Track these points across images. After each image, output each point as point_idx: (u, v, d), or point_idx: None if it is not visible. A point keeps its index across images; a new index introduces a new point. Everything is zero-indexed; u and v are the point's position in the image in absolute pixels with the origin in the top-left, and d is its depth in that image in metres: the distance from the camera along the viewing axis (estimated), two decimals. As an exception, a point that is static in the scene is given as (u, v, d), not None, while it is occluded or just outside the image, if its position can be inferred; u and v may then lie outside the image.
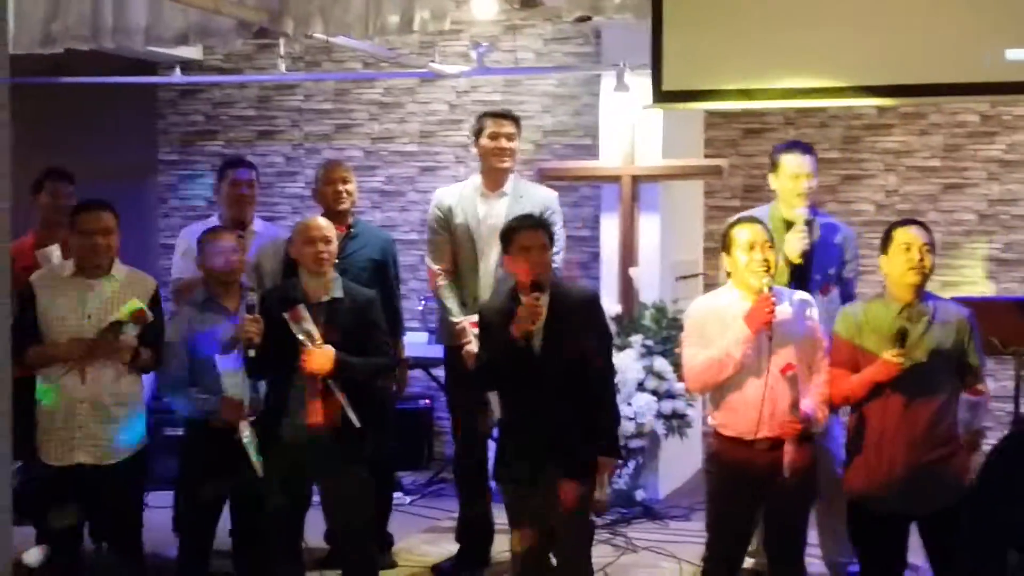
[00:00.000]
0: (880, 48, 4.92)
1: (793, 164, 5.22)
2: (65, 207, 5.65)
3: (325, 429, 4.74)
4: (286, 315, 4.68)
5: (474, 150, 5.79)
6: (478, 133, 5.67)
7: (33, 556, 5.20)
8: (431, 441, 7.88)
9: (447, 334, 5.63)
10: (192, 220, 7.85)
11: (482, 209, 5.59)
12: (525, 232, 4.57)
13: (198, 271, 5.29)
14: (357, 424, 4.74)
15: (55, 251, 5.44)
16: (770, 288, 4.40)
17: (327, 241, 4.85)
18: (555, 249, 5.17)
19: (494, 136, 5.60)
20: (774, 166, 5.29)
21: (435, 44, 7.62)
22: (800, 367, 4.42)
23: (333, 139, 8.41)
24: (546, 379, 4.47)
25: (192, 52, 8.21)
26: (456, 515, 5.81)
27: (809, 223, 5.19)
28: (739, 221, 4.60)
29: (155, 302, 4.98)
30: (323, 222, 4.96)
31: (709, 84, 5.11)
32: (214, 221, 5.85)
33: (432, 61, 7.04)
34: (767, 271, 4.41)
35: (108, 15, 5.65)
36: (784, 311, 4.41)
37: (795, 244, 5.10)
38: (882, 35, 4.92)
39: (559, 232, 5.51)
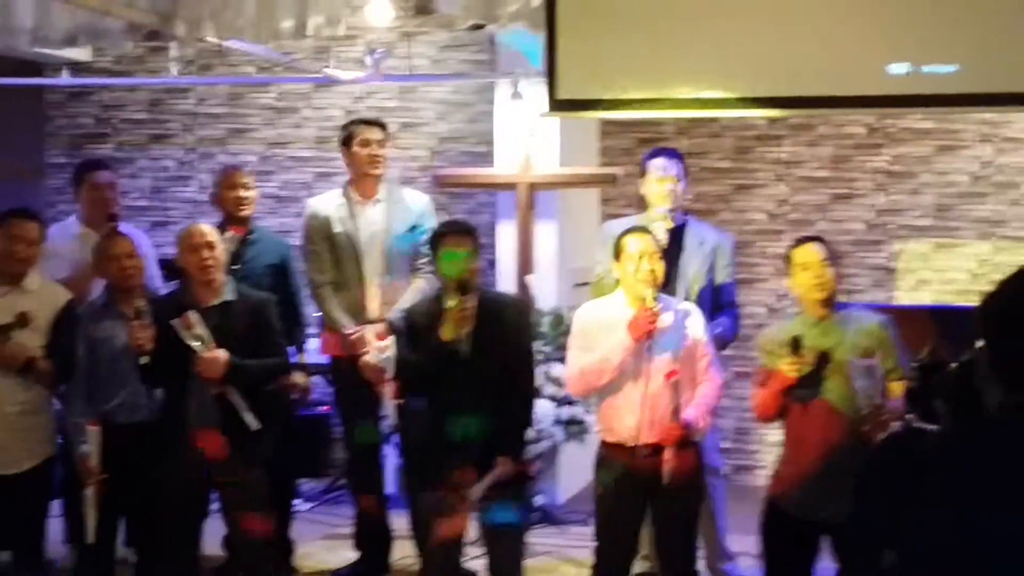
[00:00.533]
0: (771, 60, 5.03)
1: (657, 168, 5.33)
2: None
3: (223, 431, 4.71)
4: (175, 322, 4.63)
5: (344, 158, 5.73)
6: (347, 141, 5.64)
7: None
8: (329, 448, 7.82)
9: (339, 344, 5.57)
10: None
11: (360, 217, 5.56)
12: (453, 237, 4.63)
13: (66, 272, 5.22)
14: (254, 426, 4.73)
15: None
16: (655, 298, 4.46)
17: (211, 247, 4.82)
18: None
19: (365, 143, 5.59)
20: (642, 173, 5.40)
21: (330, 49, 7.58)
22: (682, 375, 4.48)
23: (227, 143, 8.31)
24: (471, 383, 4.50)
25: (81, 54, 8.05)
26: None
27: (679, 227, 5.25)
28: (630, 230, 4.65)
29: (65, 314, 4.89)
30: (205, 228, 4.92)
31: (604, 93, 5.16)
32: (73, 223, 5.72)
33: (327, 66, 7.00)
34: (654, 281, 4.47)
35: (-8, 15, 5.53)
36: (666, 320, 4.48)
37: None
38: (773, 48, 5.02)
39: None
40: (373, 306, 5.50)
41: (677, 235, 5.26)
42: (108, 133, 8.51)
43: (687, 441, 4.46)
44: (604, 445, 4.64)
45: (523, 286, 6.91)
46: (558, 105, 5.14)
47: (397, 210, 5.55)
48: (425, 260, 5.39)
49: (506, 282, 7.11)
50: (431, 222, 5.55)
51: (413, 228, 5.53)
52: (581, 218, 7.58)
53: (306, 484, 7.24)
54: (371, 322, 5.46)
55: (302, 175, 8.22)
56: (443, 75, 7.83)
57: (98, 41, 5.77)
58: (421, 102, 7.95)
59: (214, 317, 4.75)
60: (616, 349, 4.46)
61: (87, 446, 4.78)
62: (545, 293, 6.98)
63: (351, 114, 8.10)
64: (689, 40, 5.06)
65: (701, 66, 5.06)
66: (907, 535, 2.01)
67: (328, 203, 5.64)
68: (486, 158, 7.51)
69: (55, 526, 5.24)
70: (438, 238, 4.70)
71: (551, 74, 5.10)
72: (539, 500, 6.66)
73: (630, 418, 4.47)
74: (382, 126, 5.70)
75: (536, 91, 6.47)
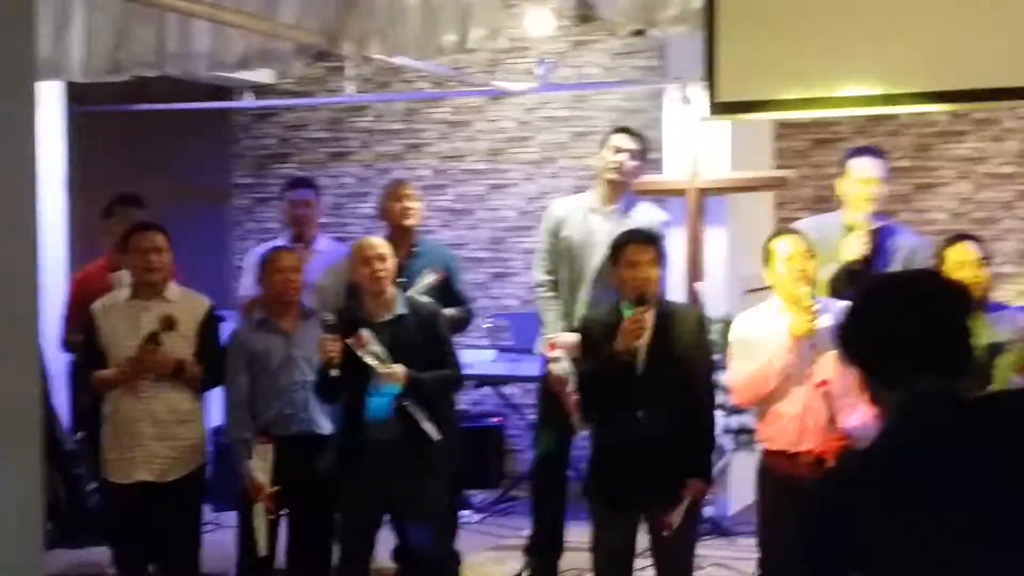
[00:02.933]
0: (949, 51, 4.81)
1: (861, 169, 5.15)
2: None
3: (401, 446, 4.76)
4: (349, 342, 4.71)
5: (598, 163, 5.70)
6: (602, 146, 5.65)
7: (113, 576, 5.31)
8: (501, 459, 7.88)
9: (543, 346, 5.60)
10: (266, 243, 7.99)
11: (590, 224, 5.53)
12: (633, 246, 4.56)
13: (251, 289, 5.39)
14: (436, 437, 4.76)
15: (127, 275, 5.56)
16: (812, 298, 4.34)
17: (383, 259, 4.85)
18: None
19: (616, 150, 5.57)
20: (843, 171, 5.21)
21: (502, 62, 7.66)
22: (845, 381, 4.34)
23: (403, 159, 8.47)
24: (647, 398, 4.45)
25: (265, 76, 8.35)
26: (524, 533, 5.80)
27: (876, 230, 5.08)
28: (778, 233, 4.56)
29: (209, 322, 5.05)
30: (377, 241, 4.97)
31: (766, 94, 5.05)
32: (280, 242, 5.93)
33: (496, 79, 7.06)
34: (807, 281, 4.36)
35: (173, 41, 5.77)
36: (827, 320, 4.35)
37: (852, 248, 5.00)
38: (951, 37, 4.81)
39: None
40: (579, 313, 5.43)
41: (876, 240, 5.11)
42: (291, 152, 8.78)
43: (852, 450, 4.32)
44: (766, 454, 4.55)
45: (693, 293, 6.82)
46: (719, 108, 5.06)
47: (627, 222, 5.44)
48: None
49: (675, 289, 7.03)
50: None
51: None
52: (753, 223, 7.44)
53: (477, 496, 7.30)
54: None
55: (475, 188, 8.31)
56: (609, 82, 7.81)
57: (270, 63, 5.97)
58: (594, 111, 7.95)
59: (387, 331, 4.80)
60: (778, 353, 4.36)
61: (252, 461, 4.90)
62: (715, 300, 6.86)
63: (523, 125, 8.18)
64: (856, 34, 4.88)
65: (870, 60, 4.87)
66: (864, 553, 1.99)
67: (566, 206, 5.68)
68: (658, 165, 7.45)
69: (228, 537, 5.39)
70: (619, 246, 4.62)
71: (711, 77, 5.02)
72: (708, 511, 6.55)
73: (792, 425, 4.37)
74: (639, 137, 5.66)
75: (704, 96, 6.40)
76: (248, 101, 7.85)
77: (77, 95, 7.45)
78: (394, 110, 8.50)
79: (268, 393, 5.00)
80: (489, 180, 8.30)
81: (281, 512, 4.98)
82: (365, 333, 4.71)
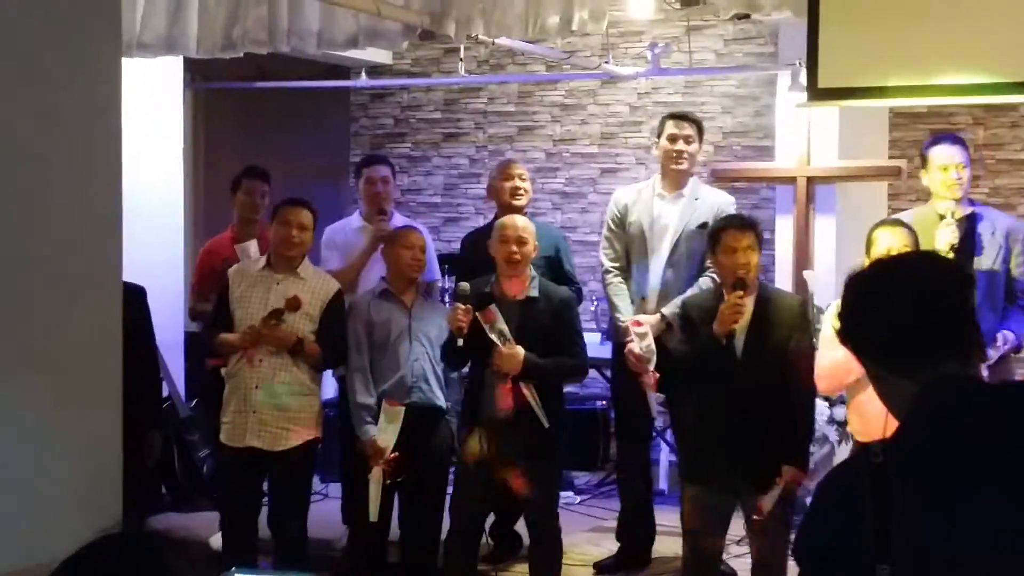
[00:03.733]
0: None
1: (941, 156, 5.06)
2: (260, 204, 5.94)
3: (514, 426, 4.81)
4: (479, 315, 4.79)
5: (655, 151, 5.77)
6: (659, 134, 5.67)
7: (218, 541, 5.39)
8: (607, 442, 7.88)
9: (615, 331, 5.64)
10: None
11: (657, 210, 5.56)
12: (732, 232, 4.61)
13: (339, 263, 5.55)
14: (546, 424, 4.80)
15: (252, 245, 5.71)
16: None
17: (521, 242, 4.91)
18: None
19: (672, 138, 5.58)
20: (924, 162, 5.13)
21: (615, 46, 7.64)
22: None
23: (516, 141, 8.52)
24: (745, 382, 4.47)
25: (382, 57, 8.47)
26: (621, 515, 5.83)
27: (968, 217, 4.98)
28: (881, 223, 4.49)
29: (335, 304, 5.15)
30: (520, 222, 5.02)
31: (867, 81, 5.00)
32: (354, 217, 6.01)
33: (606, 63, 7.06)
34: None
35: (284, 19, 5.89)
36: None
37: (943, 237, 4.89)
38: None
39: None
40: (653, 297, 5.49)
41: (970, 226, 5.01)
42: (406, 133, 8.89)
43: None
44: (857, 445, 4.50)
45: (801, 282, 6.74)
46: (818, 94, 5.01)
47: (695, 206, 5.51)
48: None
49: (784, 277, 6.96)
50: None
51: (705, 226, 5.41)
52: (865, 213, 7.30)
53: (581, 477, 7.32)
54: (649, 313, 5.45)
55: (587, 171, 8.32)
56: (723, 68, 7.74)
57: (377, 43, 6.05)
58: (706, 96, 7.88)
59: (516, 311, 4.86)
60: None
61: (373, 427, 4.99)
62: (823, 289, 6.77)
63: (635, 110, 8.16)
64: (963, 20, 4.80)
65: (977, 48, 4.80)
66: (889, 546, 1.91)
67: (631, 193, 5.72)
68: (770, 152, 7.37)
69: (334, 507, 5.49)
70: (718, 232, 4.68)
71: (812, 62, 4.98)
72: (809, 499, 6.47)
73: (877, 417, 4.30)
74: (694, 122, 5.67)
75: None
76: (364, 80, 7.97)
77: (200, 72, 7.68)
78: (508, 92, 8.54)
79: (388, 363, 5.11)
80: (601, 164, 8.29)
81: (398, 479, 5.05)
82: (494, 309, 4.78)
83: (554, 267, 5.67)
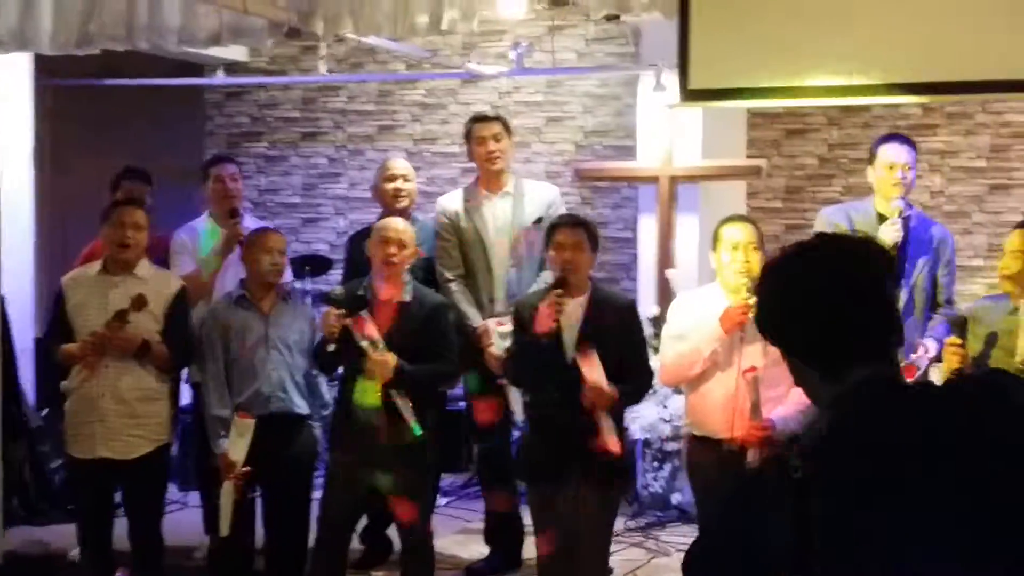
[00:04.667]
0: (922, 43, 4.80)
1: (889, 154, 5.11)
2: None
3: (385, 433, 4.72)
4: (349, 322, 4.68)
5: (468, 156, 5.74)
6: (468, 139, 5.66)
7: (77, 554, 5.24)
8: (470, 443, 7.85)
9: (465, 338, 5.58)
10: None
11: (487, 212, 5.55)
12: (562, 229, 4.61)
13: (192, 267, 5.40)
14: (417, 432, 4.70)
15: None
16: (750, 289, 4.36)
17: (400, 245, 4.81)
18: None
19: (481, 140, 5.58)
20: (872, 158, 5.19)
21: (477, 45, 7.63)
22: (776, 371, 4.35)
23: (376, 140, 8.43)
24: (576, 382, 4.43)
25: (238, 54, 8.29)
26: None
27: (906, 217, 5.06)
28: (728, 219, 4.56)
29: (179, 302, 5.01)
30: (399, 224, 4.92)
31: (737, 82, 5.03)
32: (202, 219, 5.85)
33: (469, 62, 7.03)
34: (748, 272, 4.37)
35: (143, 15, 5.68)
36: None
37: (887, 236, 4.91)
38: (924, 29, 4.80)
39: None
40: (500, 297, 5.47)
41: (905, 227, 5.04)
42: (263, 132, 8.73)
43: (775, 440, 4.25)
44: (691, 440, 4.58)
45: (664, 280, 6.84)
46: (690, 95, 5.04)
47: (523, 203, 5.54)
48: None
49: (647, 276, 7.04)
50: (561, 212, 5.53)
51: (539, 220, 5.47)
52: (725, 212, 7.43)
53: (444, 479, 7.27)
54: (499, 315, 5.44)
55: (449, 171, 8.28)
56: (583, 68, 7.79)
57: (241, 40, 5.89)
58: (568, 96, 7.93)
59: (391, 315, 4.77)
60: (708, 340, 4.38)
61: (226, 440, 4.84)
62: (685, 288, 6.86)
63: (498, 109, 8.13)
64: (830, 24, 4.87)
65: (843, 50, 4.86)
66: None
67: (457, 199, 5.67)
68: (631, 152, 7.45)
69: (193, 516, 5.35)
70: (551, 229, 4.69)
71: (684, 63, 5.00)
72: (675, 498, 6.57)
73: (717, 412, 4.38)
74: (499, 120, 5.67)
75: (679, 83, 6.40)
76: (220, 78, 7.78)
77: (46, 68, 7.38)
78: (367, 91, 8.45)
79: (244, 372, 4.95)
80: (462, 163, 8.24)
81: (251, 494, 4.92)
82: (365, 316, 4.69)
83: (434, 267, 5.62)
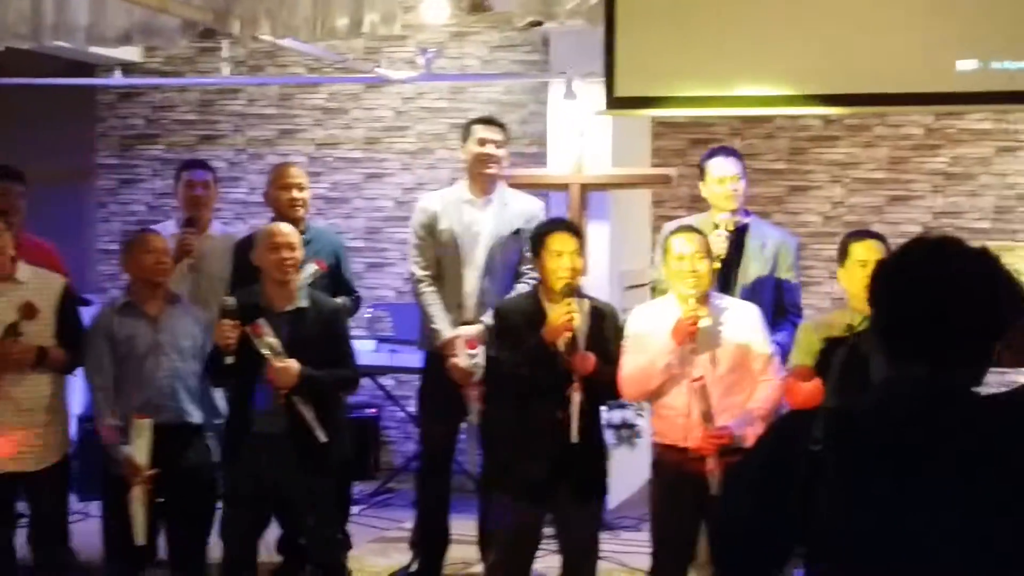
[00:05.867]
0: (829, 57, 4.94)
1: (718, 169, 5.21)
2: (16, 207, 5.48)
3: (289, 441, 4.63)
4: (247, 329, 4.56)
5: (463, 155, 5.62)
6: (465, 139, 5.56)
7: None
8: (378, 451, 7.79)
9: (429, 340, 5.49)
10: (133, 226, 7.73)
11: (468, 216, 5.45)
12: (559, 235, 4.55)
13: None
14: (323, 439, 4.63)
15: None
16: (703, 298, 4.41)
17: (292, 248, 4.73)
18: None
19: (482, 142, 5.47)
20: (702, 174, 5.29)
21: (381, 50, 7.56)
22: (730, 378, 4.42)
23: (277, 144, 8.29)
24: (566, 394, 4.41)
25: (132, 54, 8.07)
26: (405, 525, 5.73)
27: (741, 228, 5.15)
28: (677, 230, 4.60)
29: (66, 300, 4.86)
30: (287, 228, 4.83)
31: (662, 91, 5.09)
32: (171, 225, 5.71)
33: (378, 66, 6.96)
34: (696, 283, 4.41)
35: (49, 13, 5.53)
36: (706, 322, 4.41)
37: (712, 246, 4.90)
38: (832, 44, 4.93)
39: None
40: (470, 305, 5.40)
41: (739, 236, 5.15)
42: (159, 134, 8.51)
43: (736, 448, 4.32)
44: (657, 447, 4.60)
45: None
46: (616, 103, 5.07)
47: (505, 212, 5.45)
48: (530, 266, 5.37)
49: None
50: None
51: (518, 232, 5.40)
52: (633, 220, 7.51)
53: (355, 487, 7.18)
54: (467, 322, 5.37)
55: (351, 176, 8.18)
56: (497, 75, 7.77)
57: (153, 39, 5.75)
58: (472, 103, 7.89)
59: (286, 323, 4.67)
60: (661, 352, 4.42)
61: (129, 446, 4.69)
62: (597, 295, 6.88)
63: (400, 115, 8.09)
64: (750, 36, 4.97)
65: (761, 62, 4.98)
66: (813, 522, 1.97)
67: (439, 199, 5.56)
68: (538, 159, 7.45)
69: (95, 526, 5.18)
70: (543, 235, 4.60)
71: (609, 71, 5.03)
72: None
73: (677, 421, 4.42)
74: (502, 127, 5.59)
75: (590, 91, 6.43)
76: (114, 79, 7.56)
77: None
78: (267, 94, 8.30)
79: (134, 380, 4.80)
80: (365, 169, 8.18)
81: (159, 499, 4.77)
82: (263, 323, 4.57)
83: (334, 275, 5.52)
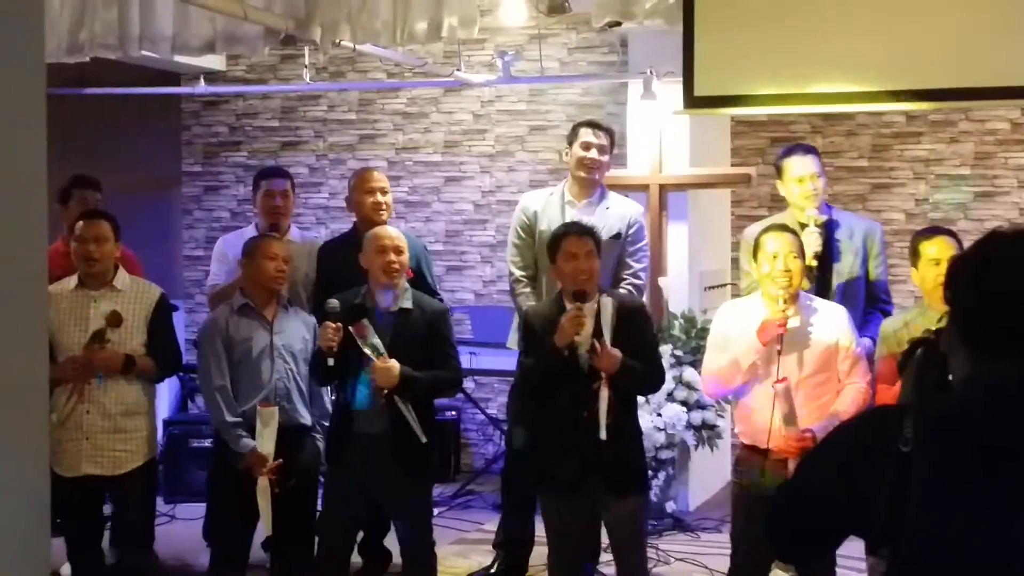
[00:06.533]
0: (911, 52, 4.86)
1: (796, 167, 5.14)
2: None
3: (389, 442, 4.67)
4: (351, 329, 4.62)
5: (565, 158, 5.64)
6: (571, 141, 5.57)
7: (68, 570, 5.16)
8: (458, 454, 7.83)
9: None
10: (218, 232, 7.86)
11: (568, 217, 5.41)
12: (572, 238, 4.52)
13: (232, 277, 5.28)
14: (423, 439, 4.66)
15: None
16: (792, 298, 4.37)
17: (399, 251, 4.77)
18: (641, 264, 5.40)
19: (587, 146, 5.47)
20: (779, 173, 5.23)
21: (459, 53, 7.59)
22: (816, 380, 4.38)
23: (357, 149, 8.38)
24: (591, 391, 4.39)
25: (215, 63, 8.21)
26: (485, 527, 5.75)
27: (825, 223, 5.09)
28: (769, 228, 4.56)
29: (160, 311, 4.95)
30: (394, 232, 4.88)
31: (740, 89, 5.05)
32: (251, 231, 5.80)
33: (457, 70, 7.00)
34: (789, 282, 4.37)
35: (135, 23, 5.63)
36: (795, 323, 4.38)
37: (808, 244, 4.90)
38: (913, 39, 4.85)
39: (643, 246, 5.52)
40: None
41: (827, 231, 5.09)
42: (242, 141, 8.64)
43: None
44: (742, 447, 4.58)
45: (656, 288, 6.83)
46: (695, 102, 5.04)
47: (605, 215, 5.43)
48: (629, 270, 5.40)
49: (638, 284, 7.03)
50: (642, 233, 5.53)
51: (618, 236, 5.40)
52: (712, 220, 7.47)
53: (435, 489, 7.23)
54: None
55: (431, 179, 8.24)
56: (575, 76, 7.77)
57: (235, 48, 5.83)
58: (551, 105, 7.92)
59: (390, 324, 4.71)
60: (746, 352, 4.38)
61: (250, 439, 4.75)
62: (677, 295, 6.88)
63: (479, 118, 8.13)
64: (829, 32, 4.91)
65: (841, 59, 4.91)
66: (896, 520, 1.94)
67: (540, 200, 5.58)
68: (617, 160, 7.41)
69: (181, 528, 5.28)
70: (558, 239, 4.58)
71: (688, 70, 5.00)
72: (671, 507, 6.56)
73: (761, 421, 4.38)
74: (608, 132, 5.57)
75: (668, 91, 6.41)
76: (199, 87, 7.69)
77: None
78: (348, 100, 8.40)
79: (249, 381, 4.88)
80: (445, 172, 8.23)
81: (288, 483, 4.81)
82: (366, 324, 4.63)
83: (416, 280, 5.55)
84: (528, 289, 5.46)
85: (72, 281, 4.92)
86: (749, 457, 4.49)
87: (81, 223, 4.93)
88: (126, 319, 4.79)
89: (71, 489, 4.77)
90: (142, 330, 4.88)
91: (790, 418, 4.30)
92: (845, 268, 5.14)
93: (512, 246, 5.57)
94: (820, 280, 5.01)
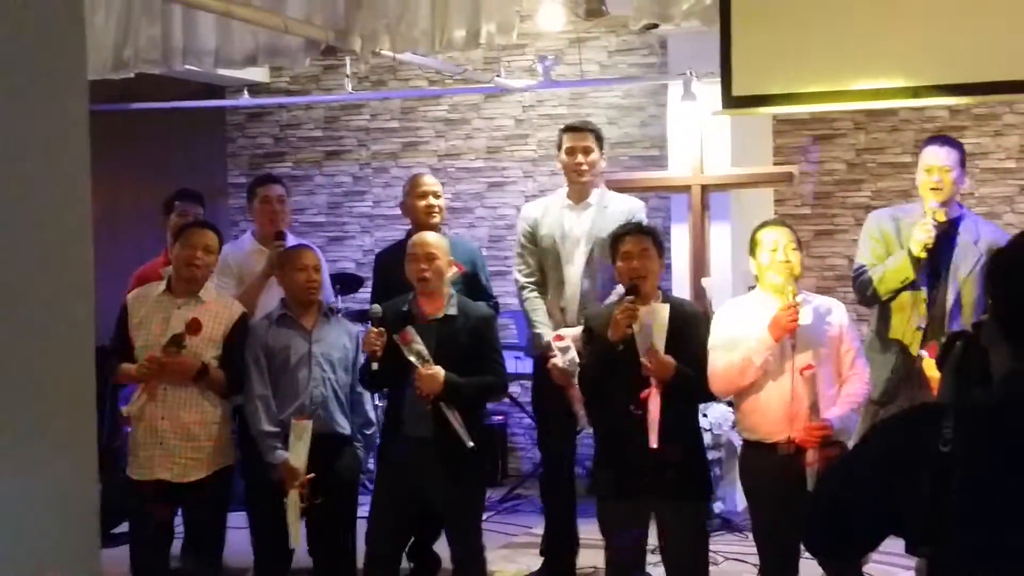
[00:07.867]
0: (953, 45, 4.85)
1: (927, 157, 5.04)
2: None
3: (437, 448, 4.71)
4: (396, 337, 4.67)
5: (558, 164, 5.71)
6: (558, 147, 5.63)
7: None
8: (506, 458, 7.86)
9: (535, 345, 5.57)
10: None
11: (567, 221, 5.53)
12: (629, 238, 4.61)
13: (234, 288, 5.37)
14: (469, 444, 4.68)
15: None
16: (795, 293, 4.37)
17: (429, 259, 4.81)
18: None
19: (570, 151, 5.54)
20: (919, 160, 5.13)
21: (499, 59, 7.64)
22: (825, 372, 4.38)
23: (400, 157, 8.44)
24: (641, 400, 4.42)
25: (259, 75, 8.30)
26: (533, 531, 5.76)
27: (955, 221, 4.99)
28: (764, 224, 4.58)
29: (240, 328, 4.99)
30: (430, 239, 4.91)
31: (779, 88, 5.06)
32: (247, 239, 5.84)
33: (498, 76, 7.04)
34: (790, 271, 4.39)
35: (178, 38, 5.72)
36: (807, 317, 4.38)
37: (917, 236, 4.86)
38: (955, 32, 4.84)
39: None
40: (572, 308, 5.47)
41: (951, 230, 4.98)
42: (286, 152, 8.73)
43: (833, 440, 4.29)
44: (744, 445, 4.59)
45: (699, 289, 6.83)
46: (733, 102, 5.05)
47: (605, 214, 5.48)
48: None
49: (680, 285, 7.03)
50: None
51: None
52: (755, 219, 7.42)
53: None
54: (570, 326, 5.40)
55: (474, 186, 8.28)
56: (615, 79, 7.79)
57: (277, 60, 5.90)
58: (592, 108, 7.93)
59: (435, 331, 4.76)
60: (758, 348, 4.38)
61: (283, 451, 4.80)
62: (720, 295, 6.86)
63: (520, 123, 8.16)
64: (868, 28, 4.92)
65: (881, 54, 4.91)
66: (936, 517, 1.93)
67: (540, 207, 5.67)
68: (658, 161, 7.45)
69: (235, 536, 5.32)
70: (616, 239, 4.67)
71: (726, 71, 5.02)
72: (718, 507, 6.55)
73: (771, 416, 4.38)
74: (592, 131, 5.61)
75: (708, 91, 6.41)
76: (243, 99, 7.78)
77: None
78: (390, 108, 8.46)
79: (286, 390, 4.93)
80: (487, 178, 8.27)
81: (315, 500, 4.85)
82: (411, 331, 4.68)
83: (471, 282, 5.61)
84: (534, 294, 5.54)
85: (160, 287, 5.01)
86: (756, 456, 4.48)
87: (191, 230, 5.02)
88: (205, 329, 4.84)
89: (143, 493, 4.86)
90: (218, 343, 4.92)
91: (815, 406, 4.31)
92: (963, 269, 4.98)
93: (517, 255, 5.67)
94: (932, 277, 4.95)
